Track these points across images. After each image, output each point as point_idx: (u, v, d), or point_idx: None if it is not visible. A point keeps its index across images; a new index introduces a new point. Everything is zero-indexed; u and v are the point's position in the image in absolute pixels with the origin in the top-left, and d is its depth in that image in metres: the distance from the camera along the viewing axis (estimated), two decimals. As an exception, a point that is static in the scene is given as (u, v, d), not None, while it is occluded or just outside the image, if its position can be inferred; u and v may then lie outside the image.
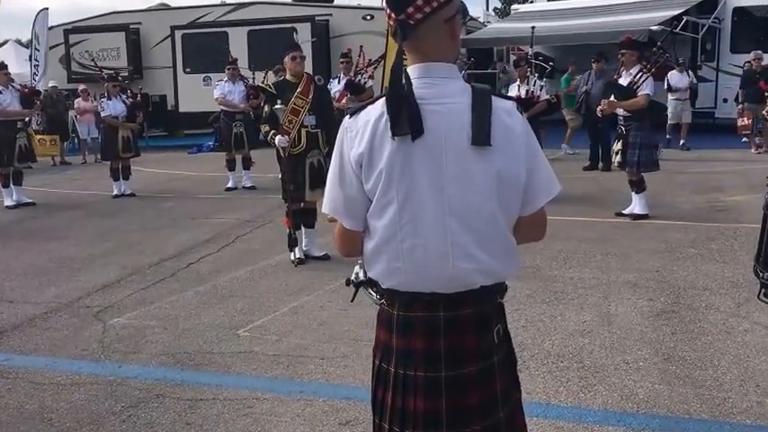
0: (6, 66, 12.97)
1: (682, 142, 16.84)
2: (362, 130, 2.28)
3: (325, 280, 7.20)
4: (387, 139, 2.24)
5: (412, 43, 2.28)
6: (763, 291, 3.77)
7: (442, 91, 2.27)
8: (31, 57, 22.06)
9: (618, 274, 7.20)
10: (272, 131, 7.78)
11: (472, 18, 26.33)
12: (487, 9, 38.63)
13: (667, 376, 4.86)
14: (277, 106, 7.71)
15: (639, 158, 9.34)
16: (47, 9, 21.75)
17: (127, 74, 20.59)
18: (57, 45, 22.83)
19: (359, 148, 2.27)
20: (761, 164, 12.60)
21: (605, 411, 4.43)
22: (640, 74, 9.22)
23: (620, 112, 9.50)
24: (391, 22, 2.28)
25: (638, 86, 9.21)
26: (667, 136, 16.89)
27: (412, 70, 2.31)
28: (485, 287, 2.31)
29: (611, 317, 6.03)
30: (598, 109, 9.92)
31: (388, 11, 2.28)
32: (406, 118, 2.21)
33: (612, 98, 9.49)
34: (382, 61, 12.61)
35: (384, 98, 2.28)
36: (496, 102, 2.27)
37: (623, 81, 9.50)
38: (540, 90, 11.02)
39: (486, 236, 2.27)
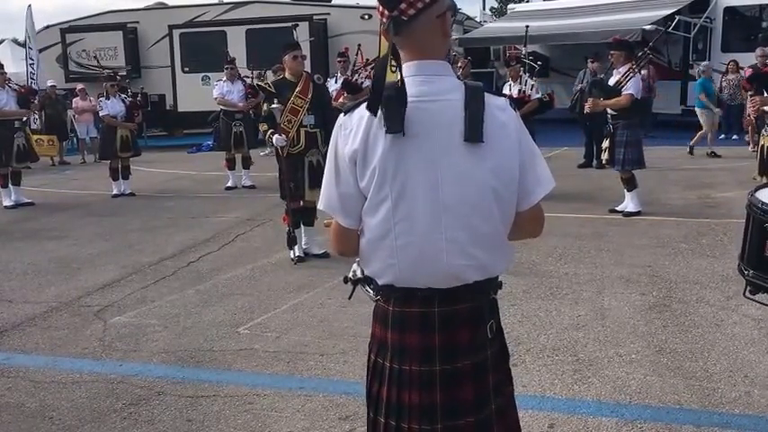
0: (2, 65, 12.92)
1: None
2: (357, 127, 2.29)
3: (325, 277, 7.27)
4: (380, 137, 2.25)
5: (404, 40, 2.29)
6: (748, 288, 3.85)
7: (434, 88, 2.28)
8: (26, 56, 22.06)
9: (611, 270, 7.29)
10: (271, 131, 7.83)
11: (469, 17, 26.34)
12: (484, 8, 38.55)
13: (659, 368, 4.95)
14: (274, 105, 7.75)
15: (625, 156, 9.47)
16: (30, 6, 21.76)
17: (125, 73, 20.61)
18: (53, 45, 22.84)
19: (353, 145, 2.28)
20: (750, 161, 12.66)
21: (599, 402, 4.51)
22: (628, 73, 9.33)
23: (608, 110, 9.62)
24: (384, 19, 2.29)
25: (623, 86, 9.33)
26: None
27: (404, 68, 2.32)
28: (478, 282, 2.34)
29: (605, 311, 6.13)
30: (585, 107, 10.07)
31: (381, 8, 2.29)
32: (399, 115, 2.22)
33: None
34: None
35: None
36: (489, 98, 2.29)
37: (613, 80, 9.62)
38: (532, 89, 11.08)
39: (480, 232, 2.29)
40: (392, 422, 2.39)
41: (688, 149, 15.56)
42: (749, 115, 12.13)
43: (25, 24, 21.98)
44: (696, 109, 16.03)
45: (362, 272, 2.49)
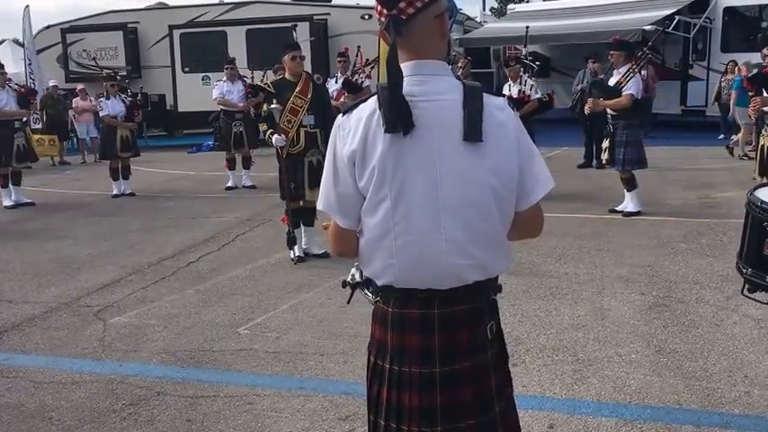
0: (3, 65, 12.91)
1: None
2: (355, 127, 2.29)
3: (325, 277, 7.27)
4: (379, 136, 2.24)
5: (403, 40, 2.28)
6: (746, 287, 3.85)
7: (432, 88, 2.28)
8: (25, 56, 22.10)
9: (611, 270, 7.30)
10: (270, 130, 7.84)
11: (469, 18, 26.36)
12: (484, 9, 38.52)
13: (659, 368, 4.96)
14: (273, 105, 7.76)
15: (625, 156, 9.50)
16: (28, 6, 21.81)
17: (125, 73, 20.62)
18: (54, 45, 22.86)
19: (352, 145, 2.28)
20: (749, 161, 12.68)
21: (599, 403, 4.51)
22: (628, 74, 9.35)
23: (608, 110, 9.63)
24: (382, 18, 2.29)
25: (624, 86, 9.34)
26: None
27: (403, 68, 2.31)
28: (478, 282, 2.33)
29: (605, 311, 6.13)
30: (585, 107, 10.09)
31: (379, 7, 2.28)
32: (398, 114, 2.22)
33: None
34: (378, 62, 12.66)
35: (376, 95, 2.29)
36: (487, 98, 2.28)
37: (613, 80, 9.64)
38: (531, 89, 11.09)
39: (479, 232, 2.28)
40: (392, 424, 2.39)
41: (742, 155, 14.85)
42: (750, 116, 12.11)
43: (23, 25, 22.02)
44: (738, 109, 15.38)
45: (361, 275, 2.49)
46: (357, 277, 2.51)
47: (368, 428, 2.53)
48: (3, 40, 31.28)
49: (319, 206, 2.43)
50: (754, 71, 13.96)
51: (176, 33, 21.45)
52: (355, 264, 2.52)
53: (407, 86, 2.27)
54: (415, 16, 2.26)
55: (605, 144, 9.82)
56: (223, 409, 4.67)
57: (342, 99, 11.94)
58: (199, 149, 20.37)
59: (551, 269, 7.40)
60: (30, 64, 21.48)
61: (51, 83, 20.67)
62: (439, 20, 2.32)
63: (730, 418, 4.26)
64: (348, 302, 2.70)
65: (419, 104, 2.24)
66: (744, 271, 3.83)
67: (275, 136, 7.75)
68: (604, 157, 9.90)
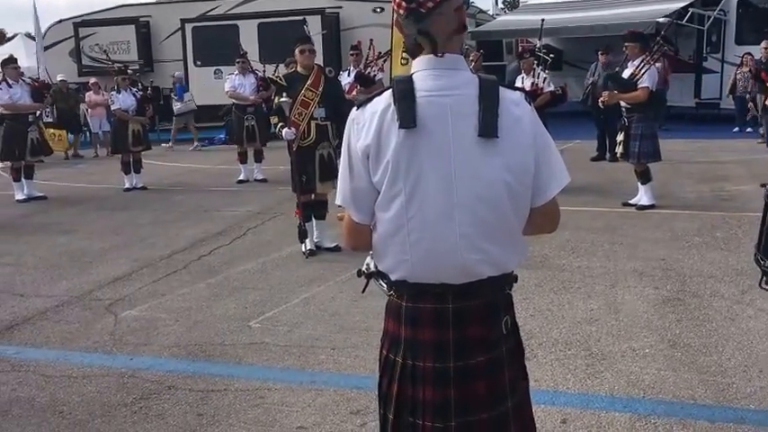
0: (16, 59, 12.94)
1: None
2: (369, 121, 2.27)
3: (336, 271, 7.25)
4: (393, 131, 2.23)
5: (421, 33, 2.27)
6: (764, 279, 3.81)
7: (449, 82, 2.26)
8: (37, 50, 22.18)
9: (624, 263, 7.25)
10: (280, 124, 7.83)
11: (481, 11, 26.31)
12: (497, 3, 38.35)
13: (673, 362, 4.92)
14: (282, 99, 7.75)
15: (640, 149, 9.45)
16: (33, 1, 21.96)
17: (137, 67, 20.65)
18: (67, 38, 22.94)
19: (366, 139, 2.26)
20: (765, 154, 12.59)
21: (612, 397, 4.48)
22: (642, 66, 9.28)
23: (622, 102, 9.57)
24: (401, 11, 2.26)
25: (639, 79, 9.28)
26: None
27: (419, 61, 2.30)
28: (492, 277, 2.32)
29: (618, 305, 6.09)
30: (599, 100, 10.03)
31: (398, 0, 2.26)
32: (411, 109, 2.21)
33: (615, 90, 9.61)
34: (391, 55, 12.63)
35: (391, 90, 2.28)
36: (504, 93, 2.27)
37: (627, 72, 9.58)
38: (545, 82, 11.03)
39: (493, 227, 2.27)
40: (404, 419, 2.37)
41: None
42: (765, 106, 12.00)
43: (34, 19, 22.17)
44: None
45: (376, 265, 2.48)
46: (372, 267, 2.50)
47: (379, 423, 2.51)
48: (15, 35, 31.38)
49: (337, 201, 2.43)
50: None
51: (188, 27, 21.45)
52: (370, 253, 2.50)
53: (424, 80, 2.26)
54: (434, 9, 2.23)
55: (620, 137, 9.77)
56: (234, 402, 4.66)
57: (354, 92, 11.90)
58: (211, 143, 20.37)
59: (564, 263, 7.36)
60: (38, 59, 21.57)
61: (59, 77, 20.67)
62: (458, 12, 2.30)
63: (745, 414, 4.22)
64: (363, 292, 2.67)
65: (435, 99, 2.23)
66: (762, 263, 3.80)
67: (285, 130, 7.74)
68: (619, 150, 9.83)
